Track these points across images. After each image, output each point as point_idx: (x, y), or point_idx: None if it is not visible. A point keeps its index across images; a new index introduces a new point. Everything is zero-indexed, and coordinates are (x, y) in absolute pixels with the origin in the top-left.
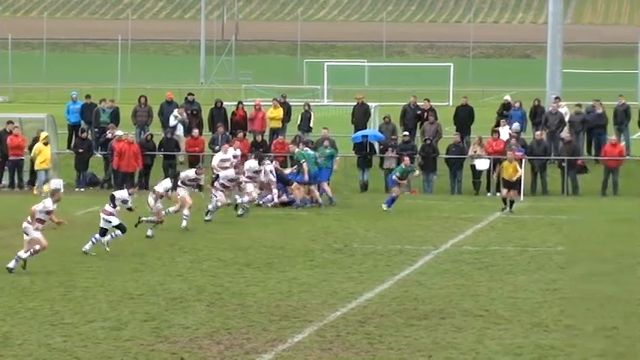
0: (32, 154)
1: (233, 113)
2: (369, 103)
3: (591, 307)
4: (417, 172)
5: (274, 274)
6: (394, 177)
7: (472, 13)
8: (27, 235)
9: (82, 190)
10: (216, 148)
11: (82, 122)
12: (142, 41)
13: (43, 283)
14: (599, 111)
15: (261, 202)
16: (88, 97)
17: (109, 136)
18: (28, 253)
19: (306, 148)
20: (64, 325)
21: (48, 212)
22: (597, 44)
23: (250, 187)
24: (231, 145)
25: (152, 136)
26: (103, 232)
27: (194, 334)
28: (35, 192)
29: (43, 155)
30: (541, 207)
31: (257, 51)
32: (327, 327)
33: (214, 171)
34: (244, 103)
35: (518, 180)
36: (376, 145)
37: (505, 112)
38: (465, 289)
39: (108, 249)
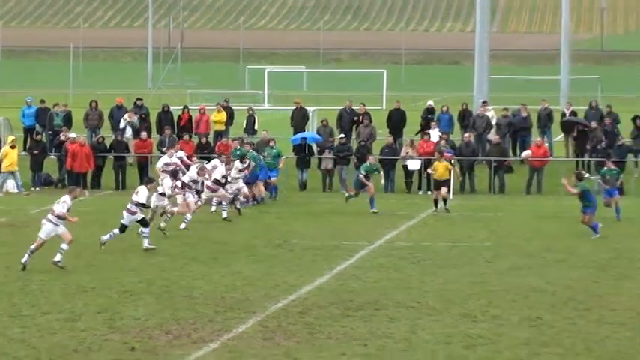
0: (1, 155)
1: (179, 117)
2: (307, 107)
3: (516, 299)
4: (382, 172)
5: (219, 268)
6: (360, 175)
7: (404, 22)
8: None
9: (38, 189)
10: (164, 149)
11: (37, 125)
12: (92, 49)
13: (1, 277)
14: (524, 115)
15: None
16: (42, 101)
17: (63, 138)
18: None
19: (250, 150)
20: (22, 316)
21: (68, 208)
22: (522, 52)
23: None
24: (175, 150)
25: (103, 138)
26: (124, 228)
27: (144, 325)
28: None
29: (10, 158)
30: (469, 205)
31: (201, 58)
32: (269, 318)
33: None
34: (189, 107)
35: (448, 179)
36: (314, 147)
37: (430, 115)
38: (398, 282)
39: (103, 247)
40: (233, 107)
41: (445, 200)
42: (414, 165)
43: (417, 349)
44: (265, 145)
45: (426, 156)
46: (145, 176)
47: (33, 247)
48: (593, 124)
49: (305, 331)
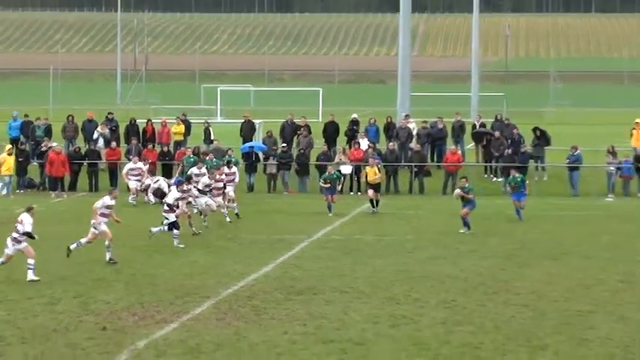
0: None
1: (144, 129)
2: (254, 121)
3: (434, 284)
4: (342, 178)
5: (178, 259)
6: (320, 182)
7: (337, 47)
8: (96, 229)
9: (22, 191)
10: (130, 157)
11: (21, 136)
12: (69, 70)
13: None
14: (440, 126)
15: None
16: (26, 116)
17: (44, 148)
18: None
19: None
20: (8, 301)
21: (108, 207)
22: (438, 72)
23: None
24: (140, 159)
25: (79, 148)
26: (172, 225)
27: (114, 308)
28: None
29: (7, 164)
30: (394, 204)
31: (163, 78)
32: (222, 301)
33: (126, 178)
34: (153, 120)
35: (379, 183)
36: (260, 155)
37: (354, 127)
38: (333, 270)
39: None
40: (190, 120)
41: (377, 201)
42: (346, 169)
43: (349, 328)
44: (220, 153)
45: (356, 162)
46: (113, 182)
47: (83, 240)
48: (497, 134)
49: (252, 313)
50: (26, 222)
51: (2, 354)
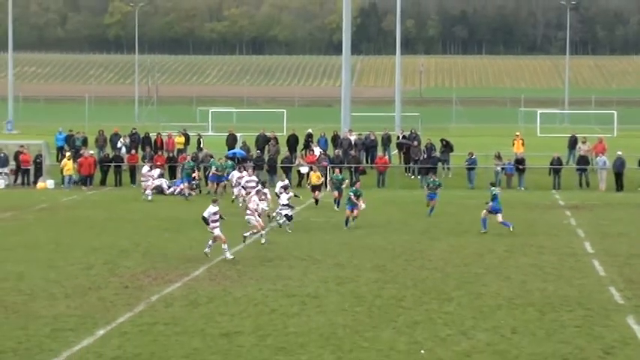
0: (61, 166)
1: (155, 140)
2: (236, 134)
3: (369, 253)
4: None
5: (181, 235)
6: (328, 183)
7: (297, 80)
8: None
9: (66, 187)
10: (145, 161)
11: (65, 146)
12: (99, 97)
13: (42, 241)
14: (372, 137)
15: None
16: (70, 130)
17: (82, 153)
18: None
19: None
20: (56, 266)
21: (215, 213)
22: (371, 98)
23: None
24: (150, 163)
25: (108, 154)
26: (289, 217)
27: (134, 272)
28: (69, 189)
29: (68, 166)
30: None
31: (169, 103)
32: (213, 267)
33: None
34: (162, 134)
35: (322, 184)
36: (240, 158)
37: (309, 139)
38: (295, 244)
39: (289, 230)
40: (189, 134)
41: (317, 200)
42: (304, 169)
43: (308, 286)
44: (208, 158)
45: (311, 163)
46: (133, 179)
47: (211, 242)
48: (415, 143)
49: (236, 275)
50: (208, 210)
51: (52, 305)
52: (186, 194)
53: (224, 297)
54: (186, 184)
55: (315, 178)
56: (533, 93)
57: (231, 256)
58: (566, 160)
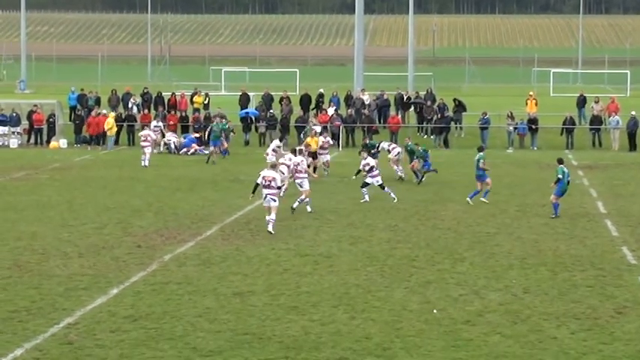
0: (106, 126)
1: (169, 100)
2: (249, 93)
3: (382, 213)
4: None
5: (193, 194)
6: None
7: (309, 39)
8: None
9: (78, 146)
10: (159, 119)
11: (78, 105)
12: (112, 56)
13: (55, 200)
14: (385, 97)
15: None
16: (81, 90)
17: (93, 114)
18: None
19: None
20: (69, 226)
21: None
22: (384, 57)
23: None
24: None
25: (121, 114)
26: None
27: (147, 231)
28: (107, 150)
29: (111, 125)
30: (351, 154)
31: (181, 62)
32: (226, 226)
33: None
34: (175, 93)
35: (323, 147)
36: (253, 118)
37: (320, 98)
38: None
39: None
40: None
41: (315, 167)
42: (317, 129)
43: (320, 245)
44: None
45: (324, 123)
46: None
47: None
48: (429, 103)
49: (249, 234)
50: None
51: (65, 265)
52: (213, 159)
53: (237, 256)
54: (214, 148)
55: (315, 143)
56: (546, 52)
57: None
58: (577, 119)
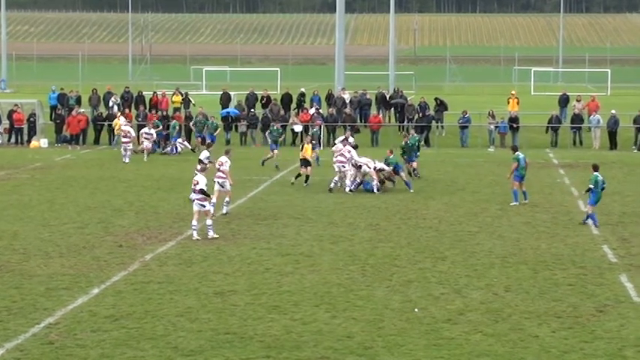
0: (114, 125)
1: (150, 99)
2: (230, 92)
3: (363, 212)
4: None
5: (175, 194)
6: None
7: (290, 38)
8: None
9: (59, 145)
10: (139, 119)
11: (58, 104)
12: (93, 55)
13: (36, 200)
14: (367, 96)
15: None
16: (62, 89)
17: (74, 113)
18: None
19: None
20: (50, 225)
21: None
22: (365, 57)
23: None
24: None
25: (102, 113)
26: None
27: (128, 230)
28: (114, 149)
29: (119, 125)
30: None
31: (162, 61)
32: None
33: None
34: (156, 92)
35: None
36: (234, 117)
37: (302, 97)
38: (288, 202)
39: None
40: (183, 93)
41: (307, 177)
42: (298, 128)
43: (301, 245)
44: (204, 117)
45: (305, 122)
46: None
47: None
48: (410, 101)
49: (230, 233)
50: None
51: (46, 264)
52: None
53: (218, 256)
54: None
55: (309, 150)
56: (527, 51)
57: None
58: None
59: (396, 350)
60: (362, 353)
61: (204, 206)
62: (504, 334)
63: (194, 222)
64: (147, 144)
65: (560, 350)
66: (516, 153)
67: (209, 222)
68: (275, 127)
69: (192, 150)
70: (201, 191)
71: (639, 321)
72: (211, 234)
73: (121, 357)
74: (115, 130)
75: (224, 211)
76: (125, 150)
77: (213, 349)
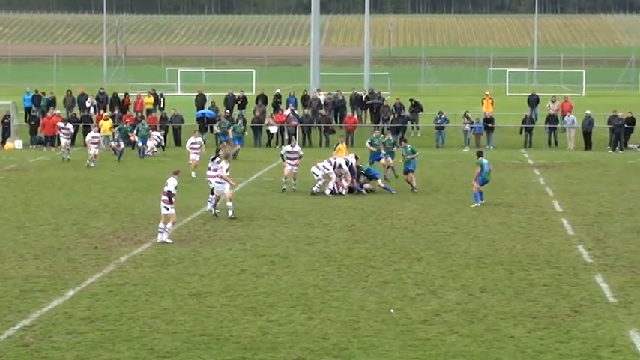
0: (100, 126)
1: (123, 100)
2: (205, 94)
3: (339, 213)
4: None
5: (151, 195)
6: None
7: (265, 39)
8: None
9: (34, 147)
10: (115, 122)
11: (33, 106)
12: (68, 57)
13: (11, 202)
14: (341, 97)
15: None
16: (36, 91)
17: (49, 115)
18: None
19: None
20: (25, 227)
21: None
22: (340, 57)
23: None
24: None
25: (76, 114)
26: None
27: (103, 232)
28: (110, 148)
29: (105, 126)
30: (307, 153)
31: (137, 63)
32: (182, 227)
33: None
34: (130, 93)
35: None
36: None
37: (278, 99)
38: (264, 203)
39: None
40: (157, 93)
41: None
42: (273, 129)
43: (277, 246)
44: (179, 119)
45: (280, 123)
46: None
47: (214, 201)
48: (386, 102)
49: (205, 235)
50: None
51: (21, 266)
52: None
53: (194, 257)
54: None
55: (343, 151)
56: (502, 52)
57: (232, 216)
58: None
59: (371, 351)
60: (338, 354)
61: (167, 209)
62: (480, 334)
63: (161, 224)
64: (94, 150)
65: (536, 350)
66: (480, 159)
67: (170, 226)
68: (222, 120)
69: (162, 148)
70: (168, 193)
71: (614, 321)
72: (230, 213)
73: (96, 359)
74: (101, 132)
75: (208, 209)
76: (91, 155)
77: (189, 350)
